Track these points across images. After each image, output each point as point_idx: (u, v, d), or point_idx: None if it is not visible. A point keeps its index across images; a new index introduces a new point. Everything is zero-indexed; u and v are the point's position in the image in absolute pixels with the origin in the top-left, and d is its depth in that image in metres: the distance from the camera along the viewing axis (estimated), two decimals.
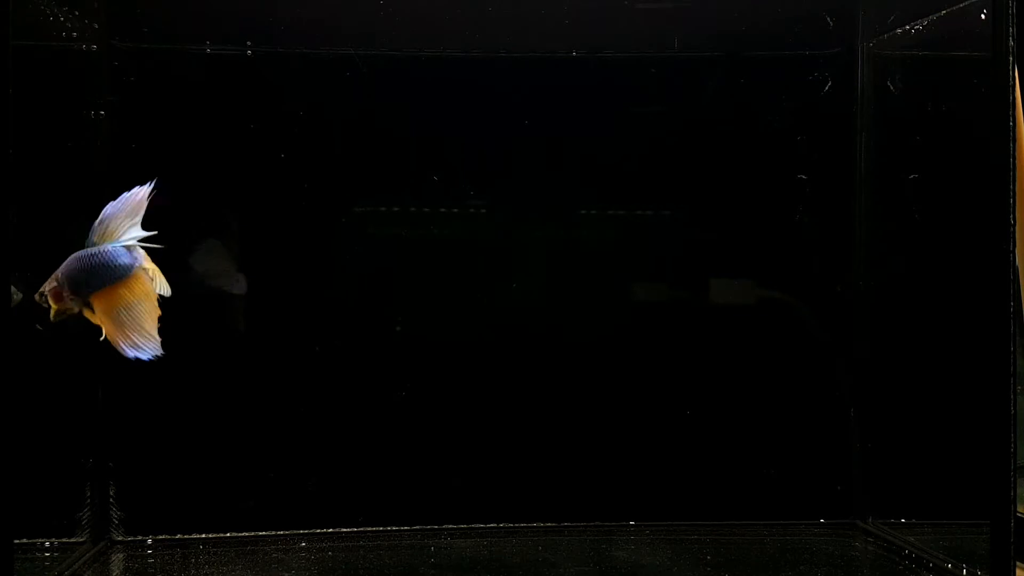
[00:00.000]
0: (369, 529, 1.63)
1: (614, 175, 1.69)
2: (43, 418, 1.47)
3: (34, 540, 1.50)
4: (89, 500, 1.54)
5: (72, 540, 1.52)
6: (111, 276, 1.19)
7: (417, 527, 1.64)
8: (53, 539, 1.50)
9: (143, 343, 1.19)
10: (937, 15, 1.50)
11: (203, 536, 1.59)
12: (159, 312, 1.20)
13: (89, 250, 1.18)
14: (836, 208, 1.70)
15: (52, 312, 1.20)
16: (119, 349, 1.19)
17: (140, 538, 1.58)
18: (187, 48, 1.59)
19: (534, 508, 1.66)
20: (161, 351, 1.19)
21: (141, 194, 1.18)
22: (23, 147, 1.15)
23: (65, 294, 1.19)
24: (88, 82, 1.55)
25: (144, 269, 1.20)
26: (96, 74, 1.55)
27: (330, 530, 1.62)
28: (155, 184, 1.18)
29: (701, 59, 1.68)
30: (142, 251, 1.20)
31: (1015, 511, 1.24)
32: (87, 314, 1.20)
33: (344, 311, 1.65)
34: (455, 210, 1.66)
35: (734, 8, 1.64)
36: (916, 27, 1.55)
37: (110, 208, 1.19)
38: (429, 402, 1.65)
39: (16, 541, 1.11)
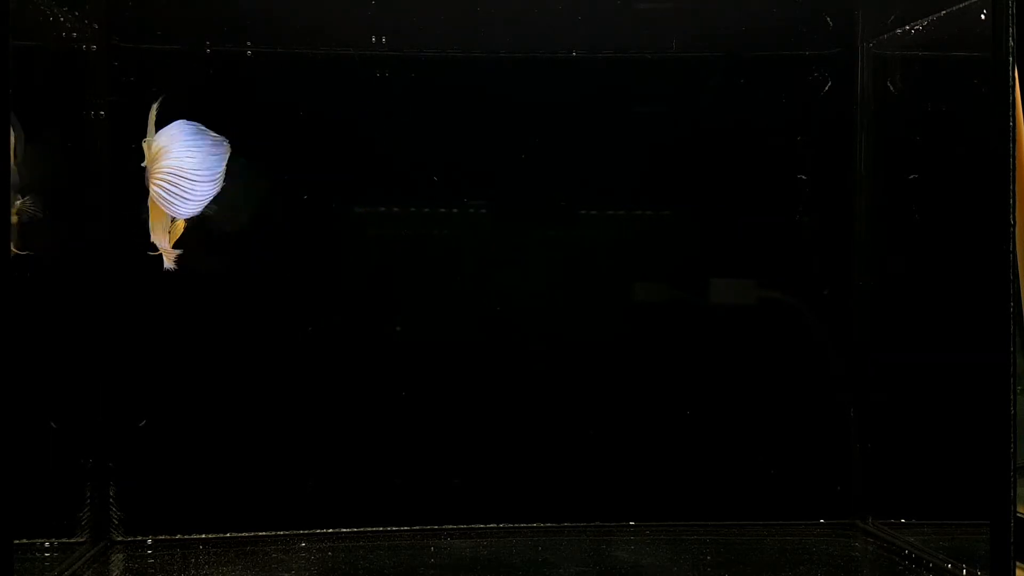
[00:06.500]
0: (369, 529, 1.63)
1: (614, 175, 1.69)
2: (43, 418, 1.47)
3: (34, 540, 1.49)
4: (89, 500, 1.54)
5: (72, 540, 1.52)
6: None
7: (417, 527, 1.63)
8: (53, 539, 1.50)
9: None
10: (937, 15, 1.50)
11: (203, 536, 1.59)
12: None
13: None
14: (836, 208, 1.70)
15: None
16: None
17: (140, 538, 1.58)
18: (187, 48, 1.59)
19: (534, 508, 1.66)
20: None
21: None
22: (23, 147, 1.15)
23: None
24: (88, 82, 1.55)
25: None
26: (96, 74, 1.55)
27: (330, 530, 1.62)
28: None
29: (701, 59, 1.68)
30: None
31: (1015, 511, 1.24)
32: None
33: (345, 311, 1.65)
34: (455, 210, 1.66)
35: (734, 8, 1.64)
36: (916, 27, 1.55)
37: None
38: (429, 402, 1.65)
39: (16, 541, 1.11)
